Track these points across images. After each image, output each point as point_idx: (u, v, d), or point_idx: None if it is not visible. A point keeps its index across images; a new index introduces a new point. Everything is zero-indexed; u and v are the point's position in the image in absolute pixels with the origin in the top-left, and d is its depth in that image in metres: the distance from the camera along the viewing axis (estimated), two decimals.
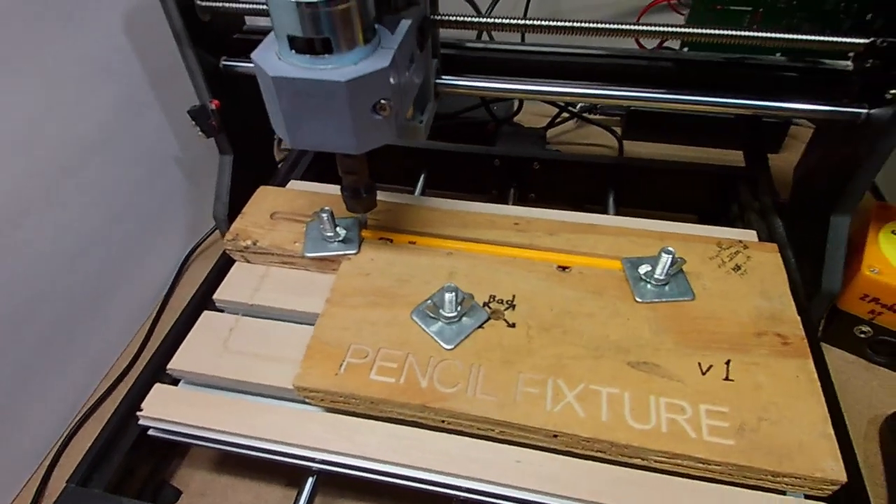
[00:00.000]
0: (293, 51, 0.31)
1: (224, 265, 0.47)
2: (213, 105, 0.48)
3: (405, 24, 0.34)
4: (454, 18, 0.43)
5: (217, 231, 0.63)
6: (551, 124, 0.74)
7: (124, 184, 0.52)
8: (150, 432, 0.39)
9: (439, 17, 0.42)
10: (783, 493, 0.33)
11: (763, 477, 0.32)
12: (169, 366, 0.40)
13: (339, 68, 0.31)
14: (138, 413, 0.38)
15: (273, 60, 0.32)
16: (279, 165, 0.62)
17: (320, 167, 0.61)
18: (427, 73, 0.43)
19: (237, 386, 0.39)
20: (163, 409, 0.38)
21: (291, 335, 0.40)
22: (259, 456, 0.37)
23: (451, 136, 0.65)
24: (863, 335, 0.49)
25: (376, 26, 0.33)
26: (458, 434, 0.35)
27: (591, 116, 0.76)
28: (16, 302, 0.43)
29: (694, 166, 0.61)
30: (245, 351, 0.40)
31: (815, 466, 0.31)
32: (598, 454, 0.34)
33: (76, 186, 0.46)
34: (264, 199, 0.49)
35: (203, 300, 0.46)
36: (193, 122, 0.48)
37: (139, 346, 0.53)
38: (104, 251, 0.50)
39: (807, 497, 0.33)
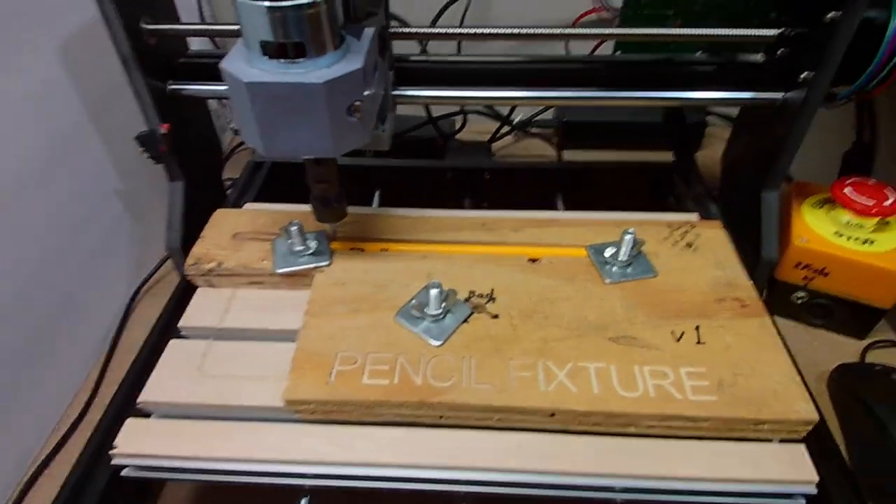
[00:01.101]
0: (266, 57, 0.31)
1: (183, 294, 0.45)
2: (163, 129, 0.46)
3: (369, 31, 0.36)
4: (406, 30, 0.44)
5: (165, 265, 0.60)
6: (493, 139, 0.77)
7: (61, 223, 0.49)
8: (124, 472, 0.36)
9: (392, 30, 0.43)
10: (765, 440, 0.35)
11: (746, 426, 0.34)
12: (140, 398, 0.37)
13: (314, 71, 0.31)
14: (111, 452, 0.35)
15: (244, 68, 0.32)
16: (228, 192, 0.60)
17: (273, 189, 0.60)
18: (386, 83, 0.44)
19: (219, 412, 0.37)
20: (140, 443, 0.35)
21: (271, 353, 0.39)
22: (255, 482, 0.35)
23: (400, 155, 0.66)
24: (799, 300, 0.54)
25: (343, 33, 0.34)
26: (457, 428, 0.35)
27: (531, 130, 0.80)
28: None
29: (631, 164, 0.65)
30: (223, 374, 0.38)
31: (791, 409, 0.34)
32: (594, 427, 0.35)
33: (8, 227, 0.43)
34: (224, 221, 0.48)
35: (165, 331, 0.44)
36: (142, 149, 0.47)
37: (90, 392, 0.50)
38: (42, 296, 0.47)
39: (782, 441, 0.36)
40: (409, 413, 0.35)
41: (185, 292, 0.45)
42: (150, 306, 0.58)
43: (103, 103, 0.51)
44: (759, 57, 0.49)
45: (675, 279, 0.42)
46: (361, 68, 0.32)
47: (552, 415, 0.34)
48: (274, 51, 0.31)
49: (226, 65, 0.32)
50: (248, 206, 0.53)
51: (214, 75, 0.35)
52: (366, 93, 0.33)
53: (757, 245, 0.50)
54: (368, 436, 0.35)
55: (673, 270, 0.43)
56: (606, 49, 0.61)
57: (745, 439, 0.35)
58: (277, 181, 0.63)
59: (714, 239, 0.46)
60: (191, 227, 0.49)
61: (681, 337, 0.38)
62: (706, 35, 0.44)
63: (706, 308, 0.40)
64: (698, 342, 0.38)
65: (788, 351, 0.38)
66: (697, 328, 0.39)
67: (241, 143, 0.80)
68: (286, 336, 0.40)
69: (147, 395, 0.37)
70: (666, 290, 0.41)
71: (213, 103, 0.67)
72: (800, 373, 0.37)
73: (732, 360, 0.37)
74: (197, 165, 0.52)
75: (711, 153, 0.78)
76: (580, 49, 0.69)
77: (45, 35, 0.46)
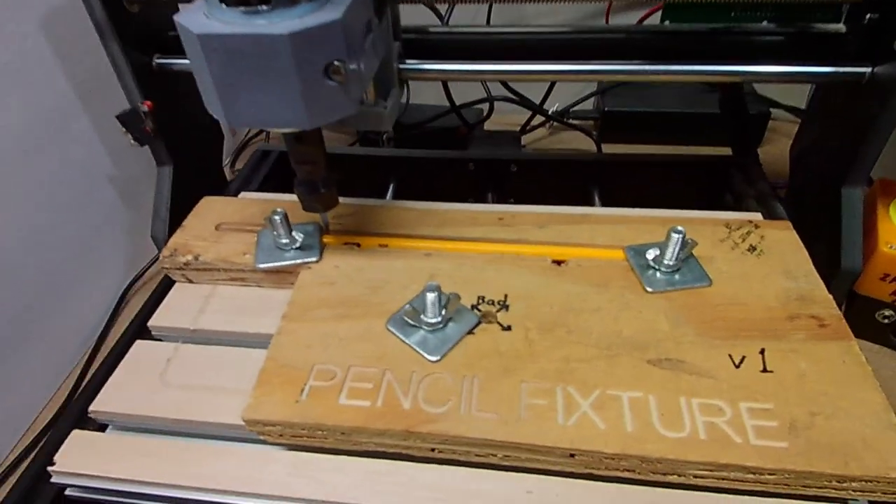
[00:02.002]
0: (223, 5, 0.26)
1: (165, 290, 0.40)
2: (146, 107, 0.42)
3: None
4: None
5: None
6: (524, 130, 0.70)
7: (45, 209, 0.45)
8: (69, 492, 0.31)
9: None
10: (844, 501, 0.28)
11: (827, 483, 0.26)
12: (91, 407, 0.32)
13: (280, 22, 0.26)
14: (50, 468, 0.30)
15: (200, 19, 0.26)
16: (231, 182, 0.55)
17: (280, 179, 0.55)
18: (389, 54, 0.38)
19: (178, 427, 0.32)
20: (82, 460, 0.30)
21: (245, 361, 0.34)
22: None
23: (420, 146, 0.60)
24: (886, 320, 0.45)
25: None
26: (453, 464, 0.29)
27: (568, 121, 0.72)
28: None
29: (682, 157, 0.57)
30: (187, 384, 0.33)
31: (888, 465, 0.26)
32: (625, 473, 0.28)
33: None
34: (209, 209, 0.43)
35: (139, 331, 0.39)
36: (124, 130, 0.42)
37: (67, 394, 0.45)
38: (21, 289, 0.43)
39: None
40: (394, 443, 0.29)
41: (167, 288, 0.40)
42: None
43: (94, 81, 0.47)
44: (840, 26, 0.41)
45: (734, 289, 0.34)
46: (339, 20, 0.26)
47: (572, 455, 0.27)
48: None
49: (179, 17, 0.27)
50: (243, 194, 0.48)
51: None
52: (350, 54, 0.27)
53: (834, 252, 0.41)
54: (343, 468, 0.29)
55: (732, 279, 0.35)
56: (654, 20, 0.53)
57: (823, 499, 0.27)
58: (286, 170, 0.58)
59: (783, 242, 0.38)
60: (180, 217, 0.44)
61: (741, 362, 0.30)
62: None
63: (773, 327, 0.32)
64: (764, 370, 0.30)
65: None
66: (762, 352, 0.31)
67: (258, 133, 0.76)
68: (264, 342, 0.34)
69: (99, 405, 0.32)
70: (723, 302, 0.33)
71: None
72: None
73: (808, 395, 0.29)
74: (190, 149, 0.48)
75: (773, 150, 0.69)
76: (624, 20, 0.61)
77: (24, 5, 0.42)
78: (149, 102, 0.42)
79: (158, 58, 0.43)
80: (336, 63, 0.27)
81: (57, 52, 0.45)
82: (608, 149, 0.70)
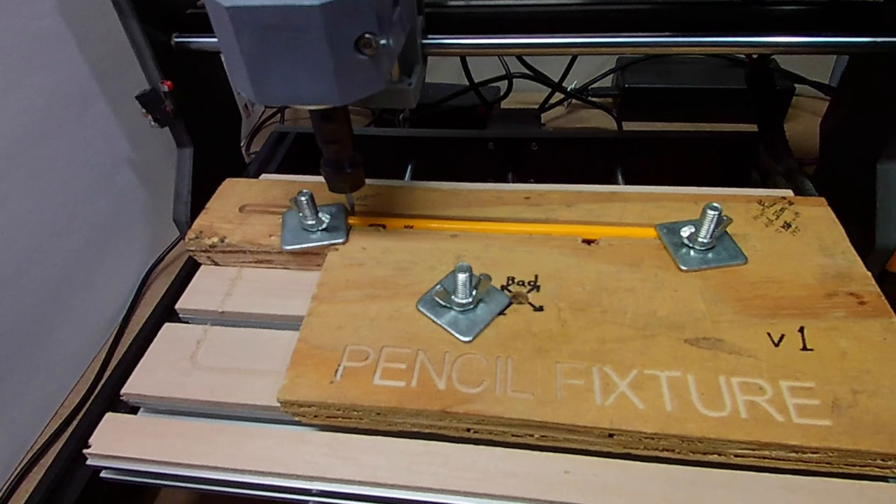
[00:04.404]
0: None
1: (191, 272, 0.40)
2: (166, 87, 0.41)
3: None
4: None
5: (183, 241, 0.56)
6: (543, 107, 0.69)
7: (64, 192, 0.44)
8: (104, 474, 0.31)
9: None
10: (885, 479, 0.27)
11: (871, 461, 0.26)
12: (123, 390, 0.32)
13: None
14: (86, 451, 0.30)
15: None
16: (249, 164, 0.55)
17: (298, 161, 0.54)
18: (413, 29, 0.37)
19: (210, 409, 0.32)
20: (117, 443, 0.30)
21: (274, 343, 0.34)
22: (243, 493, 0.29)
23: (438, 126, 0.59)
24: None
25: None
26: (488, 444, 0.29)
27: (587, 98, 0.71)
28: None
29: (707, 134, 0.56)
30: (218, 366, 0.33)
31: None
32: (664, 453, 0.27)
33: None
34: (232, 191, 0.42)
35: (166, 314, 0.39)
36: (144, 110, 0.42)
37: (94, 376, 0.46)
38: (42, 272, 0.43)
39: None
40: (429, 423, 0.29)
41: (192, 270, 0.40)
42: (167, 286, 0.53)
43: (112, 61, 0.47)
44: None
45: (770, 267, 0.33)
46: None
47: (611, 435, 0.27)
48: None
49: None
50: (264, 176, 0.47)
51: None
52: (380, 26, 0.27)
53: (867, 229, 0.40)
54: (378, 448, 0.29)
55: (767, 256, 0.34)
56: None
57: (865, 477, 0.27)
58: (303, 151, 0.58)
59: (818, 218, 0.37)
60: (202, 199, 0.44)
61: (780, 341, 0.30)
62: None
63: (812, 304, 0.31)
64: (803, 348, 0.29)
65: None
66: (802, 330, 0.30)
67: (273, 115, 0.75)
68: (294, 324, 0.34)
69: (131, 388, 0.32)
70: (759, 280, 0.33)
71: None
72: None
73: (850, 373, 0.28)
74: (210, 130, 0.47)
75: (796, 126, 0.68)
76: None
77: None
78: (169, 82, 0.41)
79: (177, 36, 0.42)
80: (367, 36, 0.26)
81: (74, 32, 0.44)
82: (628, 126, 0.69)
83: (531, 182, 0.57)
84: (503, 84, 0.66)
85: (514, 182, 0.56)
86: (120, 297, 0.51)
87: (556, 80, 0.66)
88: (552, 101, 0.70)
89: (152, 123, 0.42)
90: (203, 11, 0.45)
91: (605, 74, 0.72)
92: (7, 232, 0.40)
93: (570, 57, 0.64)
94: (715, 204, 0.33)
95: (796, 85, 0.68)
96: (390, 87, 0.36)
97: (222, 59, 0.28)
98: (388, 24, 0.28)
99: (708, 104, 0.68)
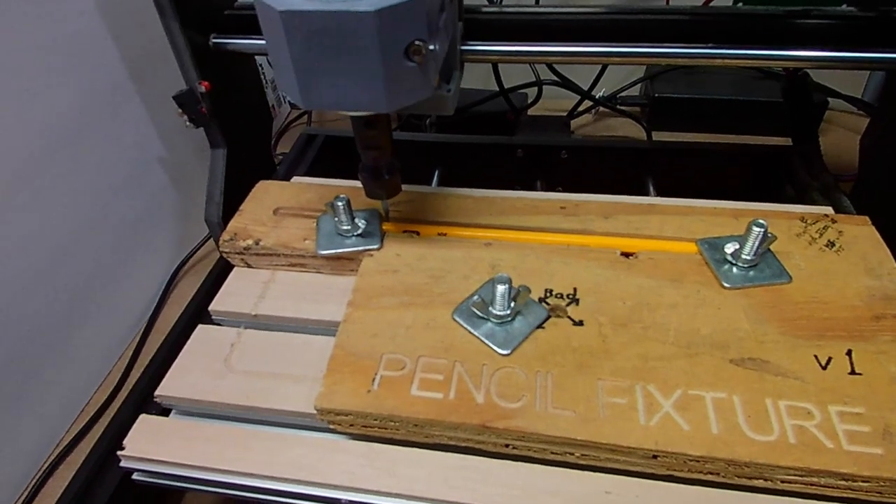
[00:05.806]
0: None
1: (221, 273, 0.40)
2: (203, 87, 0.41)
3: None
4: None
5: (210, 241, 0.56)
6: (572, 114, 0.68)
7: (97, 190, 0.45)
8: (136, 476, 0.31)
9: None
10: None
11: None
12: (157, 392, 0.32)
13: None
14: (119, 452, 0.30)
15: None
16: (278, 166, 0.55)
17: (327, 163, 0.54)
18: (454, 35, 0.37)
19: (243, 413, 0.32)
20: (151, 445, 0.30)
21: (308, 348, 0.33)
22: (275, 501, 0.29)
23: (465, 131, 0.59)
24: None
25: None
26: (525, 461, 0.28)
27: (616, 106, 0.70)
28: None
29: (740, 147, 0.55)
30: (252, 370, 0.33)
31: None
32: (709, 476, 0.27)
33: (34, 194, 0.39)
34: (265, 194, 0.42)
35: (197, 314, 0.39)
36: (180, 110, 0.42)
37: (120, 375, 0.46)
38: (73, 269, 0.43)
39: None
40: (467, 437, 0.28)
41: (223, 271, 0.40)
42: (194, 286, 0.53)
43: (150, 60, 0.47)
44: None
45: (815, 287, 0.33)
46: None
47: (655, 457, 0.26)
48: None
49: None
50: (295, 179, 0.47)
51: None
52: (430, 33, 0.26)
53: None
54: (415, 460, 0.28)
55: (812, 276, 0.33)
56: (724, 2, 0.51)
57: None
58: (332, 155, 0.58)
59: (863, 238, 0.36)
60: (234, 200, 0.44)
61: (827, 364, 0.29)
62: None
63: (859, 326, 0.31)
64: (851, 372, 0.29)
65: None
66: (849, 353, 0.29)
67: (299, 116, 0.75)
68: (328, 329, 0.34)
69: (165, 390, 0.32)
70: (804, 300, 0.32)
71: (266, 68, 0.62)
72: None
73: None
74: (243, 132, 0.47)
75: (828, 141, 0.67)
76: (686, 1, 0.59)
77: None
78: (206, 83, 0.41)
79: (215, 37, 0.42)
80: (417, 43, 0.26)
81: (111, 30, 0.44)
82: (657, 136, 0.68)
83: (559, 190, 0.57)
84: (531, 91, 0.66)
85: (542, 190, 0.56)
86: (147, 295, 0.51)
87: (585, 88, 0.65)
88: (579, 109, 0.70)
89: (187, 124, 0.42)
90: (240, 13, 0.45)
91: (634, 83, 0.71)
92: (42, 227, 0.40)
93: (599, 65, 0.64)
94: (761, 221, 0.32)
95: (829, 99, 0.67)
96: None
97: (268, 61, 0.28)
98: (435, 31, 0.28)
99: (738, 116, 0.67)
